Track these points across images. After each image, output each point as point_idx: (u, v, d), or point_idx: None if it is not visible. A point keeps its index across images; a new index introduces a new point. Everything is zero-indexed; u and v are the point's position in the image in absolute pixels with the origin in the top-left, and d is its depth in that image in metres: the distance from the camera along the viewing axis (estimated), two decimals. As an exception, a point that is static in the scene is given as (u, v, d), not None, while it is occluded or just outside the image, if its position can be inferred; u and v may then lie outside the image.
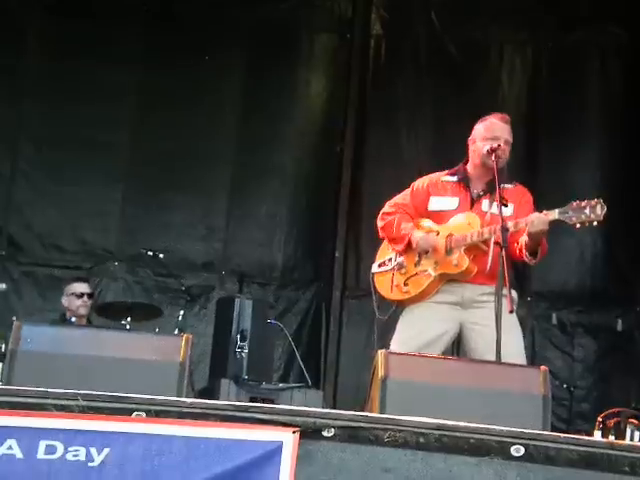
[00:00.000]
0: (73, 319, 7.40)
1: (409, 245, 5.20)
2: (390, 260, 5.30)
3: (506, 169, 5.19)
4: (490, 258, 4.92)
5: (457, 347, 5.22)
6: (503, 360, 4.57)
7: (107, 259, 8.70)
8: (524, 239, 4.94)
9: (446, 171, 5.33)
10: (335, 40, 9.44)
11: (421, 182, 5.36)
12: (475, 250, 5.04)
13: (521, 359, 4.94)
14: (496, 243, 4.86)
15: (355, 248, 8.95)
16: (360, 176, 9.09)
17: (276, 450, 3.41)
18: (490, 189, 5.09)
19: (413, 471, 3.47)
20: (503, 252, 4.74)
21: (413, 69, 9.21)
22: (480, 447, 3.48)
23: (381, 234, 5.40)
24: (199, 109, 8.90)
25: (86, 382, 3.80)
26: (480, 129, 5.22)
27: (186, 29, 8.94)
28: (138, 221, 8.82)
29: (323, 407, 6.39)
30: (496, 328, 4.62)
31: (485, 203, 5.14)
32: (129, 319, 7.33)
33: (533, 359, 8.12)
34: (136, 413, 3.48)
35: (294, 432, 3.44)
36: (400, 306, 5.28)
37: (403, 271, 5.22)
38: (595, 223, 4.79)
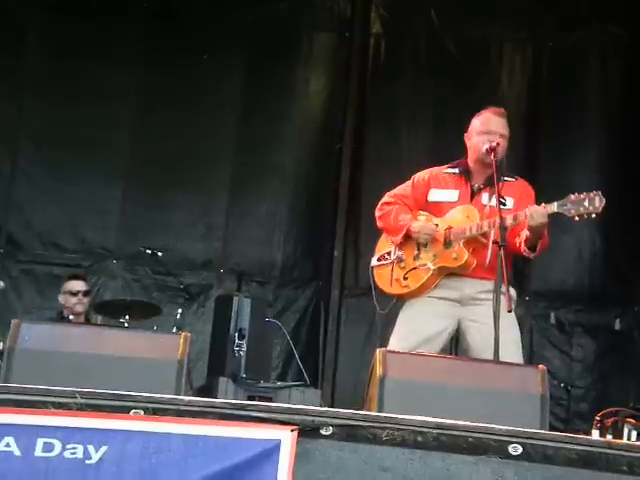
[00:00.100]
0: (71, 317, 7.40)
1: (407, 237, 5.20)
2: (389, 254, 5.30)
3: (505, 162, 5.20)
4: (489, 251, 4.93)
5: (455, 344, 5.23)
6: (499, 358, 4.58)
7: (106, 257, 8.71)
8: (525, 233, 4.94)
9: (448, 164, 5.35)
10: (334, 39, 9.45)
11: (423, 174, 5.37)
12: (474, 243, 5.05)
13: (518, 358, 4.95)
14: (494, 242, 4.87)
15: (354, 247, 8.95)
16: (359, 175, 9.09)
17: (274, 448, 3.41)
18: (490, 182, 5.09)
19: (411, 470, 3.47)
20: (501, 251, 4.75)
21: (413, 68, 9.21)
22: (478, 446, 3.48)
23: (379, 224, 5.39)
24: (199, 108, 8.90)
25: (84, 380, 3.81)
26: (476, 123, 5.25)
27: (186, 28, 8.94)
28: (138, 220, 8.82)
29: (321, 406, 6.38)
30: (494, 327, 4.63)
31: (485, 196, 5.15)
32: (127, 317, 7.33)
33: (531, 358, 8.13)
34: (134, 411, 3.48)
35: (292, 430, 3.44)
36: (400, 300, 5.29)
37: (402, 265, 5.22)
38: (593, 215, 4.80)
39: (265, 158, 9.09)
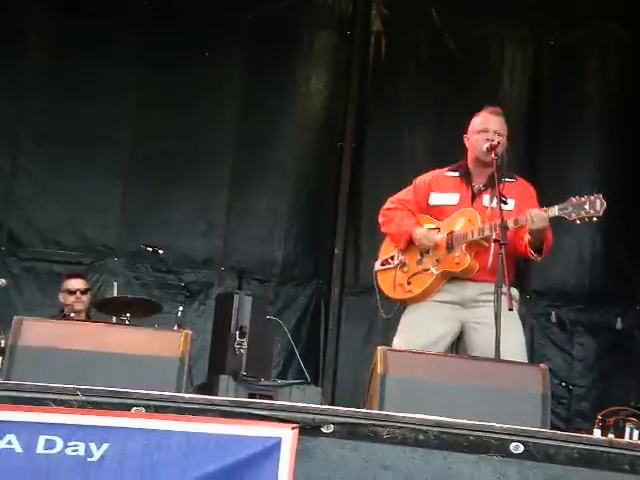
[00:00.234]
0: (72, 315, 7.41)
1: (410, 242, 5.20)
2: (393, 258, 5.31)
3: (506, 162, 5.20)
4: (491, 255, 4.93)
5: (457, 345, 5.23)
6: (504, 358, 4.57)
7: (107, 255, 8.71)
8: (528, 237, 4.94)
9: (449, 167, 5.35)
10: (335, 37, 9.44)
11: (423, 178, 5.38)
12: (476, 247, 5.05)
13: (522, 358, 4.95)
14: (495, 241, 4.86)
15: (354, 245, 8.95)
16: (360, 173, 9.09)
17: (275, 446, 3.42)
18: (491, 183, 5.09)
19: (412, 468, 3.48)
20: (502, 250, 4.75)
21: (414, 66, 9.20)
22: (479, 444, 3.49)
23: (382, 230, 5.41)
24: (199, 106, 8.90)
25: (85, 377, 3.82)
26: (474, 123, 5.27)
27: (186, 27, 8.93)
28: (138, 217, 8.82)
29: (322, 404, 6.37)
30: (495, 325, 4.62)
31: (486, 198, 5.14)
32: (129, 315, 7.33)
33: (532, 357, 8.10)
34: (135, 408, 3.49)
35: (293, 428, 3.45)
36: (403, 305, 5.29)
37: (405, 269, 5.23)
38: (595, 219, 4.80)
39: (265, 156, 9.08)
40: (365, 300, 8.16)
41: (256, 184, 8.90)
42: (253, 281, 8.67)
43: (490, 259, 4.95)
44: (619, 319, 8.66)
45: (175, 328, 7.18)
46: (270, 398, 6.30)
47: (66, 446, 3.35)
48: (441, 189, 5.28)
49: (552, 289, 8.86)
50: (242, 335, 7.07)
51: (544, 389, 4.17)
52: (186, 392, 4.06)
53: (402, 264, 5.24)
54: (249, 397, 6.19)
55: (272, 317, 7.64)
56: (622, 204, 7.85)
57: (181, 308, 7.81)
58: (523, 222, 4.89)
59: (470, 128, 5.28)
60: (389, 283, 5.28)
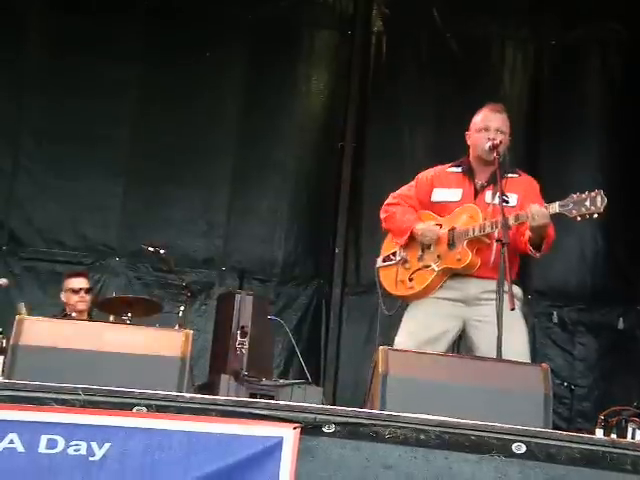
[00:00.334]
0: (73, 314, 7.41)
1: (412, 238, 5.19)
2: (394, 254, 5.30)
3: (508, 158, 5.19)
4: (493, 252, 4.92)
5: (458, 344, 5.22)
6: (507, 358, 4.56)
7: (108, 255, 8.71)
8: (529, 233, 4.94)
9: (451, 163, 5.34)
10: (336, 37, 9.44)
11: (426, 174, 5.37)
12: (478, 243, 5.04)
13: (524, 357, 4.93)
14: (497, 240, 4.86)
15: (355, 245, 8.95)
16: (361, 173, 9.09)
17: (276, 445, 3.42)
18: (493, 180, 5.08)
19: (414, 468, 3.47)
20: (504, 249, 4.74)
21: (414, 66, 9.20)
22: (481, 444, 3.49)
23: (384, 226, 5.40)
24: (200, 105, 8.90)
25: (87, 377, 3.81)
26: (475, 121, 5.27)
27: (186, 25, 8.94)
28: (139, 216, 8.82)
29: (323, 403, 6.38)
30: (497, 325, 4.62)
31: (488, 194, 5.13)
32: (130, 314, 7.33)
33: (534, 357, 8.07)
34: (137, 408, 3.49)
35: (294, 428, 3.44)
36: (405, 301, 5.28)
37: (407, 266, 5.22)
38: (595, 215, 4.79)
39: (266, 155, 9.08)
40: (366, 300, 8.16)
41: (257, 184, 8.90)
42: (254, 281, 8.68)
43: (492, 256, 4.93)
44: (621, 319, 8.66)
45: (176, 328, 7.17)
46: (271, 398, 6.30)
47: (68, 445, 3.35)
48: (444, 185, 5.27)
49: (554, 289, 8.86)
50: (243, 335, 7.07)
51: (546, 389, 4.16)
52: (187, 392, 4.06)
53: (404, 260, 5.24)
54: (250, 397, 6.19)
55: (273, 317, 7.65)
56: (622, 204, 7.86)
57: (182, 308, 7.80)
58: (524, 219, 4.88)
59: (471, 125, 5.27)
60: (391, 280, 5.28)
